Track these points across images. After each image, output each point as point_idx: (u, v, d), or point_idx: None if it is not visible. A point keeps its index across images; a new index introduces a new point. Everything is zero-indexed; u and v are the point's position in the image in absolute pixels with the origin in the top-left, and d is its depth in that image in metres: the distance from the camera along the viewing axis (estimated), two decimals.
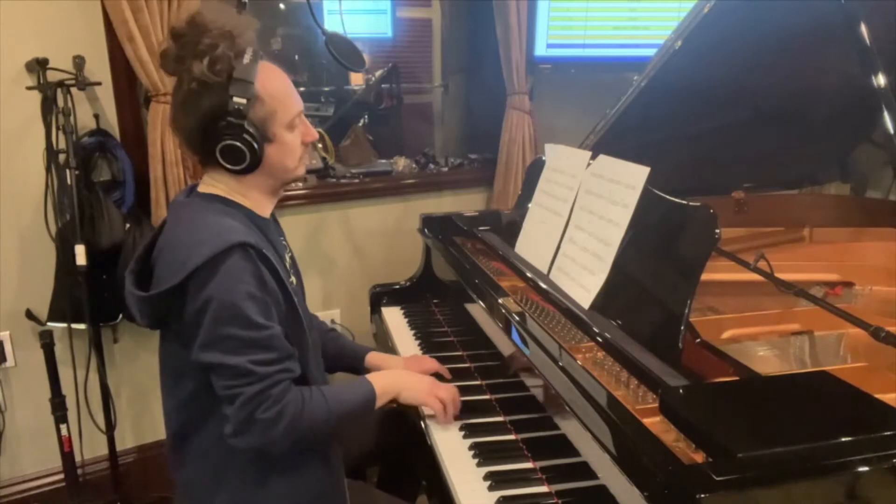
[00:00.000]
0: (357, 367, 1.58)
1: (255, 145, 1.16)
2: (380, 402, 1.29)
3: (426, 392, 1.36)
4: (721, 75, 1.70)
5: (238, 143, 1.15)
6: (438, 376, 1.51)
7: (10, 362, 2.05)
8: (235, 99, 1.13)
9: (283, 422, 1.13)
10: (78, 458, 2.04)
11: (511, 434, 1.32)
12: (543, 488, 1.15)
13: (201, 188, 1.25)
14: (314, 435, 1.20)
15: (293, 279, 1.35)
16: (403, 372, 1.44)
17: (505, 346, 1.44)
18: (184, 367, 1.17)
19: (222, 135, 1.14)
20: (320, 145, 2.54)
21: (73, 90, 1.90)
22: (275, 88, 1.20)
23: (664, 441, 0.91)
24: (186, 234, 1.15)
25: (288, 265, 1.34)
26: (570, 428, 1.11)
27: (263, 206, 1.28)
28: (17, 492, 2.13)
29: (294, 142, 1.24)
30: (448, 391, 1.37)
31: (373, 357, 1.58)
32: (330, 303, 2.57)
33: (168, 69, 1.16)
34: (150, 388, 2.25)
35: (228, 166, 1.18)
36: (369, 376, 1.32)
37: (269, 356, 1.12)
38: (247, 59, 1.15)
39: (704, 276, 1.13)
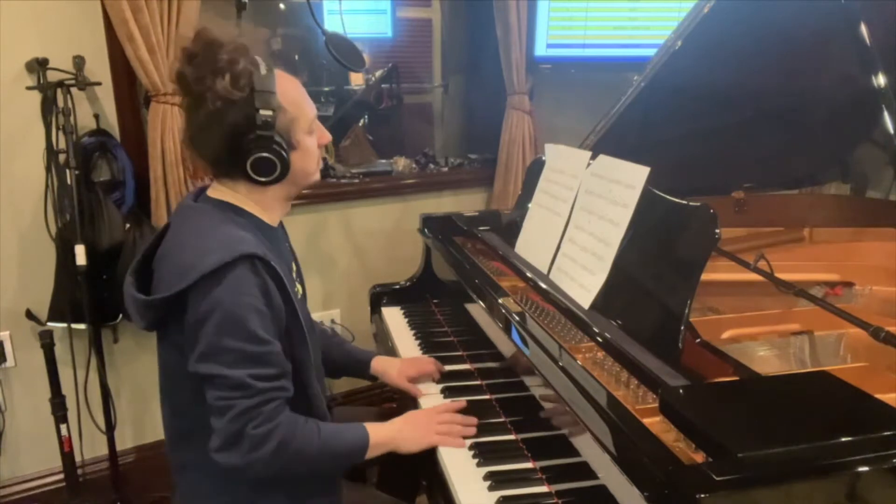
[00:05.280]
0: (362, 372, 1.57)
1: (284, 155, 1.16)
2: (371, 454, 1.23)
3: (425, 438, 1.29)
4: (721, 75, 1.70)
5: (269, 156, 1.14)
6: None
7: (10, 362, 2.05)
8: (262, 112, 1.12)
9: (271, 442, 1.09)
10: (78, 459, 2.04)
11: (511, 434, 1.32)
12: (543, 488, 1.15)
13: (212, 192, 1.23)
14: (298, 466, 1.16)
15: (298, 288, 1.34)
16: (401, 426, 1.31)
17: (505, 346, 1.44)
18: (180, 373, 1.14)
19: (252, 149, 1.13)
20: None
21: (73, 90, 1.90)
22: (293, 95, 1.19)
23: (664, 441, 0.91)
24: (194, 241, 1.14)
25: (294, 274, 1.34)
26: (570, 428, 1.11)
27: (275, 215, 1.27)
28: (17, 492, 2.13)
29: (313, 146, 1.25)
30: (444, 423, 1.30)
31: (377, 362, 1.56)
32: (330, 303, 2.57)
33: (186, 91, 1.13)
34: (150, 388, 2.25)
35: (259, 179, 1.16)
36: (368, 426, 1.25)
37: (267, 371, 1.10)
38: (263, 69, 1.14)
39: (704, 276, 1.13)
